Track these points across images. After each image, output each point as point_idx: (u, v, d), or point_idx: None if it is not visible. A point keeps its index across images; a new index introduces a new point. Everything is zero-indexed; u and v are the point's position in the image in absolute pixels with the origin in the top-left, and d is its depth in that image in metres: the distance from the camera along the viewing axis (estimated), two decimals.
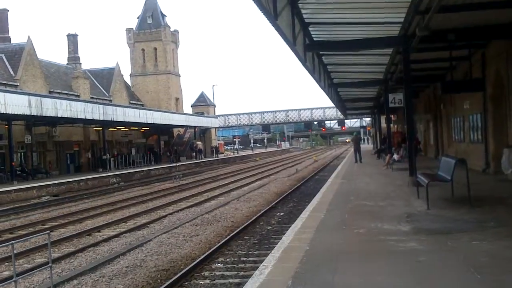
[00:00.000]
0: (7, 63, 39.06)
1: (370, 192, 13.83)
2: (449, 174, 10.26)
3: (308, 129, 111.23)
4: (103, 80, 53.66)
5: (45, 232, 9.23)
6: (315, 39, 16.06)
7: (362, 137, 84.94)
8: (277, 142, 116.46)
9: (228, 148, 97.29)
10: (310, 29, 14.96)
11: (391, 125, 32.92)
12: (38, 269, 9.40)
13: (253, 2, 9.19)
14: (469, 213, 9.34)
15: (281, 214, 15.85)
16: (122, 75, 57.82)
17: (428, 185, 10.24)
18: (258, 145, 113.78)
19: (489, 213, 9.26)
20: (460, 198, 10.74)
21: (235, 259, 10.21)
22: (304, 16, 13.70)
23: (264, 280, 5.87)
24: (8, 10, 45.53)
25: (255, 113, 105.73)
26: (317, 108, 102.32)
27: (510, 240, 7.07)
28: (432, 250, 6.80)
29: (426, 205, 10.11)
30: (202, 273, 9.26)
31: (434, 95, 26.44)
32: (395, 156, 21.45)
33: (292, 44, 13.12)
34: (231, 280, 8.61)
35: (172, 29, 66.84)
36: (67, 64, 51.31)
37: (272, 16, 10.20)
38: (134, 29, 65.47)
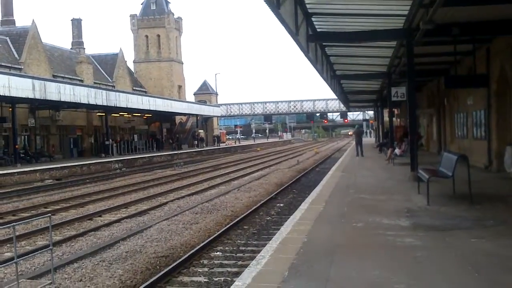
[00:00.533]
0: (11, 46, 39.05)
1: (370, 186, 13.85)
2: (450, 170, 10.25)
3: (310, 121, 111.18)
4: (107, 65, 53.65)
5: (46, 215, 9.32)
6: (318, 29, 15.99)
7: (365, 130, 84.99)
8: (279, 132, 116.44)
9: (230, 137, 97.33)
10: (313, 19, 14.88)
11: (394, 119, 32.91)
12: (39, 251, 9.48)
13: None
14: (469, 210, 9.35)
15: (281, 205, 15.90)
16: (126, 61, 57.83)
17: (429, 181, 10.25)
18: (259, 135, 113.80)
19: (489, 211, 9.26)
20: (460, 195, 10.75)
21: (234, 248, 10.26)
22: (308, 6, 13.63)
23: (261, 270, 5.91)
24: None
25: (257, 103, 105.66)
26: (319, 100, 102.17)
27: (509, 238, 7.08)
28: (430, 246, 6.82)
29: (426, 201, 10.12)
30: (201, 261, 9.32)
31: (437, 89, 26.35)
32: (397, 151, 21.41)
33: (294, 34, 13.07)
34: (229, 269, 8.67)
35: (175, 16, 66.71)
36: (71, 48, 51.32)
37: (275, 5, 10.16)
38: (137, 15, 65.35)
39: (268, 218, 13.57)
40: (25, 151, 35.72)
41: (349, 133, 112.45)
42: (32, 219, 9.77)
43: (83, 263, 9.16)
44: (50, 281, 7.82)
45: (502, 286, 5.16)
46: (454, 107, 22.96)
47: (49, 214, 8.87)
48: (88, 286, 7.81)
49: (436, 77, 24.85)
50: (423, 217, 8.87)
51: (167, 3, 67.06)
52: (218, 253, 9.95)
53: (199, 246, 9.98)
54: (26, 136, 37.82)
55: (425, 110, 30.38)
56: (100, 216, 14.90)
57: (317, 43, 18.04)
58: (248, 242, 10.80)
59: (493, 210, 9.31)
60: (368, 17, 14.14)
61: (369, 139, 64.66)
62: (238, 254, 9.72)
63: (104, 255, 9.67)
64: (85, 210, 15.97)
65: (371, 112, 75.23)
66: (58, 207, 16.98)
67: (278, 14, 10.95)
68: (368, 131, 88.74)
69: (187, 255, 9.30)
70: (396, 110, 40.12)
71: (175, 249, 10.04)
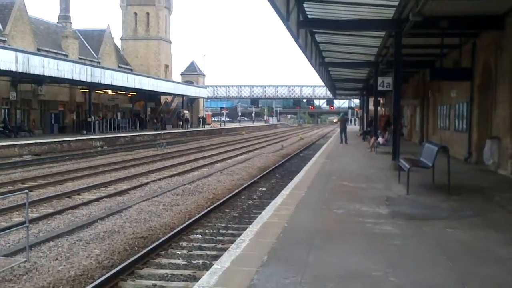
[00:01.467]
0: None
1: (352, 173, 13.95)
2: (430, 161, 10.37)
3: (296, 106, 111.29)
4: (93, 41, 52.82)
5: (23, 191, 9.18)
6: (309, 16, 15.94)
7: (350, 118, 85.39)
8: (265, 117, 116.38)
9: (216, 119, 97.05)
10: (304, 5, 14.84)
11: (379, 108, 33.09)
12: (14, 228, 9.36)
13: None
14: (447, 200, 9.48)
15: (263, 189, 15.95)
16: (113, 38, 57.00)
17: (410, 171, 10.36)
18: (245, 118, 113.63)
19: (467, 202, 9.41)
20: (439, 185, 10.88)
21: (214, 231, 10.27)
22: None
23: (240, 254, 5.93)
24: None
25: (244, 86, 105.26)
26: (307, 86, 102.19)
27: (484, 230, 7.21)
28: (407, 234, 6.91)
29: (406, 190, 10.24)
30: (180, 243, 9.31)
31: (423, 81, 26.53)
32: (380, 139, 21.58)
33: (285, 19, 13.02)
34: (208, 252, 8.68)
35: None
36: (57, 22, 50.39)
37: None
38: None
39: (250, 202, 13.60)
40: (4, 125, 35.17)
41: (334, 120, 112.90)
42: (9, 195, 9.59)
43: (59, 241, 9.06)
44: (25, 259, 7.75)
45: (475, 276, 5.25)
46: (438, 99, 23.15)
47: (26, 191, 8.73)
48: (64, 265, 7.73)
49: (422, 69, 25.00)
50: (402, 205, 8.97)
51: None
52: (197, 235, 9.94)
53: (178, 228, 9.97)
54: (6, 110, 37.22)
55: (409, 100, 30.59)
56: (79, 194, 14.68)
57: (307, 29, 17.98)
58: (229, 225, 10.82)
59: (470, 201, 9.46)
60: (360, 6, 14.13)
61: (353, 127, 65.04)
62: (218, 237, 9.74)
63: (81, 234, 9.59)
64: (63, 188, 15.74)
65: (357, 101, 75.50)
66: (36, 183, 16.67)
67: None
68: (353, 118, 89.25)
69: (166, 237, 9.28)
70: (381, 99, 40.29)
71: (154, 230, 10.02)
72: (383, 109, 43.10)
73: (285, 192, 10.62)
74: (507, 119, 13.48)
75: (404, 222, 7.68)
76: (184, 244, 9.30)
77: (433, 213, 8.38)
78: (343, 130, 29.16)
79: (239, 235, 7.58)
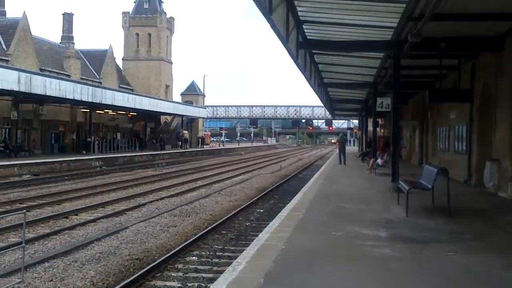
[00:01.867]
0: (0, 37, 38.54)
1: (351, 195, 13.84)
2: (430, 183, 10.27)
3: (295, 127, 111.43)
4: (95, 61, 53.13)
5: (21, 211, 9.09)
6: (308, 37, 16.03)
7: (349, 139, 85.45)
8: (264, 137, 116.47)
9: (214, 139, 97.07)
10: (304, 27, 14.93)
11: (378, 129, 33.06)
12: (10, 248, 9.27)
13: None
14: (447, 223, 9.36)
15: (261, 210, 15.81)
16: (114, 58, 57.39)
17: (409, 192, 10.25)
18: (244, 139, 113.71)
19: (467, 225, 9.29)
20: (439, 207, 10.77)
21: (211, 253, 10.13)
22: (299, 13, 13.66)
23: (236, 277, 5.81)
24: None
25: (244, 106, 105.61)
26: (305, 106, 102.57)
27: (485, 254, 7.09)
28: (407, 258, 6.79)
29: (405, 212, 10.11)
30: (176, 265, 9.18)
31: (422, 102, 26.55)
32: (379, 161, 21.50)
33: (285, 41, 13.08)
34: (204, 275, 8.55)
35: (168, 16, 66.53)
36: (60, 42, 50.80)
37: (267, 11, 10.14)
38: (130, 13, 65.09)
39: (247, 224, 13.47)
40: (5, 145, 35.12)
41: (332, 141, 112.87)
42: (6, 215, 9.53)
43: (55, 262, 8.94)
44: (20, 280, 7.62)
45: None
46: (437, 121, 23.13)
47: (24, 211, 8.65)
48: (58, 287, 7.61)
49: (421, 90, 25.03)
50: (401, 228, 8.85)
51: (160, 2, 66.88)
52: (194, 257, 9.81)
53: (175, 250, 9.84)
54: (7, 129, 37.20)
55: (408, 122, 30.59)
56: (76, 214, 14.61)
57: (306, 50, 18.07)
58: (225, 247, 10.68)
59: (471, 225, 9.34)
60: (358, 27, 14.20)
61: (352, 148, 64.98)
62: (214, 260, 9.60)
63: (77, 255, 9.46)
64: (61, 208, 15.65)
65: (356, 121, 75.62)
66: (34, 203, 16.61)
67: (270, 20, 10.95)
68: (351, 139, 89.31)
69: (161, 259, 9.15)
70: (380, 120, 40.31)
71: (150, 251, 9.88)
72: (382, 130, 43.10)
73: (283, 213, 10.50)
74: (507, 141, 13.41)
75: (403, 245, 7.56)
76: (180, 266, 9.16)
77: (433, 236, 8.26)
78: (342, 150, 29.12)
79: (235, 257, 7.46)
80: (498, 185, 13.94)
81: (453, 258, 6.84)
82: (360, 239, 7.88)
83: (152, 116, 56.70)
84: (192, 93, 75.85)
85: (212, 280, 7.30)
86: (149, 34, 64.50)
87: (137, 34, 64.71)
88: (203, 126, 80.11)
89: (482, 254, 7.06)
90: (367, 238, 7.99)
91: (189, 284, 8.01)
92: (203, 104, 76.76)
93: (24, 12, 39.82)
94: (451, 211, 10.16)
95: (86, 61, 52.05)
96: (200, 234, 11.47)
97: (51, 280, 7.90)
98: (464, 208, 11.45)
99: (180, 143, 59.99)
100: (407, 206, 10.15)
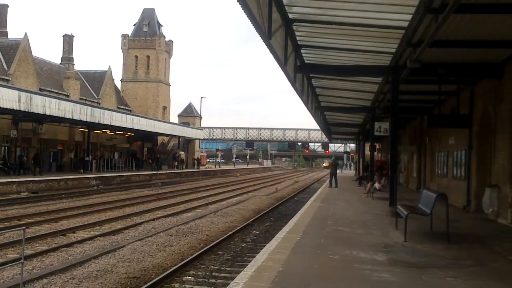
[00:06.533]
0: (1, 57, 39.09)
1: (348, 218, 13.77)
2: (429, 208, 10.24)
3: (291, 149, 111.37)
4: (94, 82, 53.55)
5: (20, 228, 9.11)
6: (306, 61, 16.13)
7: (345, 163, 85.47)
8: (260, 159, 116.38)
9: (210, 160, 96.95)
10: (302, 51, 15.02)
11: (375, 153, 33.12)
12: (9, 264, 9.26)
13: (249, 20, 9.22)
14: (446, 249, 9.31)
15: (257, 232, 15.72)
16: (113, 79, 57.74)
17: (407, 217, 10.20)
18: (240, 160, 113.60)
19: (466, 251, 9.24)
20: (438, 233, 10.72)
21: (207, 273, 10.05)
22: (297, 38, 13.76)
23: None
24: (8, 6, 45.98)
25: (240, 128, 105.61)
26: (302, 129, 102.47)
27: (485, 280, 7.04)
28: (405, 283, 6.73)
29: (404, 237, 10.06)
30: (172, 285, 9.11)
31: (420, 127, 26.63)
32: (376, 185, 21.48)
33: (283, 64, 13.15)
34: None
35: (167, 39, 67.22)
36: (60, 63, 51.26)
37: (266, 35, 10.22)
38: (129, 35, 65.94)
39: (243, 245, 13.38)
40: (4, 162, 35.11)
41: (324, 165, 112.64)
42: (5, 231, 9.54)
43: (52, 279, 8.91)
44: None
45: None
46: (436, 146, 23.16)
47: (24, 227, 8.61)
48: None
49: (420, 115, 25.13)
50: (400, 253, 8.80)
51: (160, 26, 67.69)
52: (190, 277, 9.73)
53: (171, 269, 9.76)
54: (6, 147, 37.27)
55: (406, 146, 30.64)
56: (74, 232, 14.60)
57: (304, 74, 18.17)
58: (222, 268, 10.60)
59: (470, 250, 9.29)
60: (356, 52, 14.30)
61: (349, 172, 64.93)
62: (210, 280, 9.52)
63: (75, 272, 9.42)
64: (58, 225, 15.67)
65: (352, 145, 75.76)
66: (32, 220, 16.71)
67: (269, 45, 11.03)
68: (348, 163, 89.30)
69: (158, 278, 9.08)
70: (377, 144, 40.40)
71: (147, 270, 9.80)
72: (379, 154, 43.17)
73: (280, 235, 10.44)
74: (506, 168, 13.37)
75: (402, 270, 7.51)
76: (176, 285, 9.10)
77: (432, 261, 8.21)
78: (333, 174, 29.08)
79: (232, 278, 7.40)
80: (498, 212, 13.87)
81: (453, 283, 6.78)
82: (358, 263, 7.83)
83: (150, 137, 56.74)
84: (189, 115, 76.04)
85: None
86: (148, 57, 65.14)
87: (136, 56, 65.40)
88: (199, 147, 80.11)
89: (482, 280, 7.01)
90: (365, 262, 7.93)
91: None
92: (200, 125, 76.91)
93: (26, 33, 40.57)
94: (450, 236, 10.11)
95: (86, 82, 52.38)
96: (196, 254, 11.40)
97: None
98: (463, 234, 11.39)
99: (176, 163, 59.92)
100: (405, 231, 10.10)
